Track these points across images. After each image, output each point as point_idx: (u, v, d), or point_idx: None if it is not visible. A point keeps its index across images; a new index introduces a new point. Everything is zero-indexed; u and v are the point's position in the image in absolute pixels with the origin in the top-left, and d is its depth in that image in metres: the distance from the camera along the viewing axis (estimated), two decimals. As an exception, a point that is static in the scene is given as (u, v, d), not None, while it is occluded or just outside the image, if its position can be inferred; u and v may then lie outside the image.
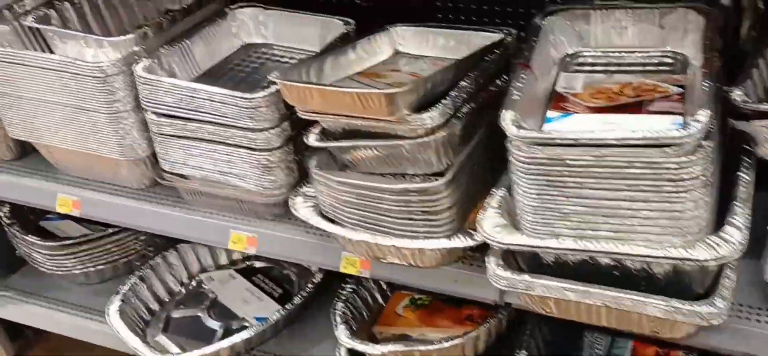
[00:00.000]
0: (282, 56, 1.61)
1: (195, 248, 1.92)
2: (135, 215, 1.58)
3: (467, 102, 1.26)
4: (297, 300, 1.70)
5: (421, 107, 1.19)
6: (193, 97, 1.37)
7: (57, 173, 1.68)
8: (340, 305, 1.58)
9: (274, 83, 1.30)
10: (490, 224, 1.15)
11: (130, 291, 1.79)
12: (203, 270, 1.95)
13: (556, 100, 1.21)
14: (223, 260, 1.96)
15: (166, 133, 1.44)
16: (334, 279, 1.68)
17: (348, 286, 1.62)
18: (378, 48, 1.49)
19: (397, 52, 1.51)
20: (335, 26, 1.54)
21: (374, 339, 1.58)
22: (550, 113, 1.17)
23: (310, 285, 1.73)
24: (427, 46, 1.50)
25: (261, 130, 1.35)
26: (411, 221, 1.25)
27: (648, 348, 1.46)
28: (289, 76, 1.29)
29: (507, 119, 1.09)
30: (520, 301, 1.20)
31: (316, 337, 1.73)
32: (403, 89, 1.18)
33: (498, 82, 1.35)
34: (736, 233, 1.00)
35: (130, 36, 1.46)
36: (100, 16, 1.65)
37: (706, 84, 1.05)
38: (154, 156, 1.51)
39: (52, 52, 1.53)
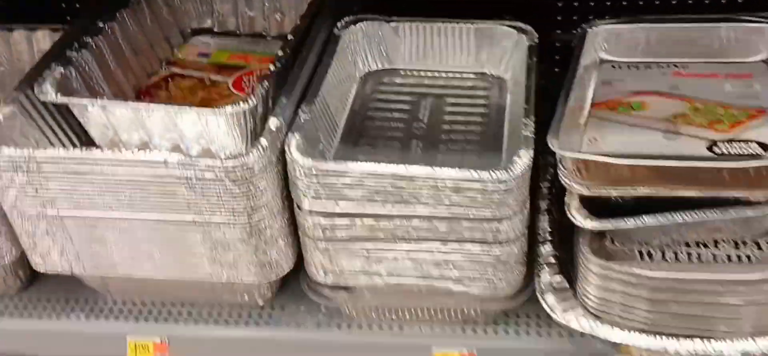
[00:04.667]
0: (430, 87, 1.13)
1: None
2: (270, 347, 1.06)
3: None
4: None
5: None
6: (402, 187, 0.89)
7: (110, 304, 1.10)
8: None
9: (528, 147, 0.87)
10: None
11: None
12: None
13: None
14: None
15: (341, 238, 0.94)
16: None
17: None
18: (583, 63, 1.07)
19: (602, 62, 1.11)
20: (502, 36, 1.11)
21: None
22: None
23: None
24: (645, 47, 1.11)
25: (508, 218, 0.91)
26: (763, 313, 0.90)
27: None
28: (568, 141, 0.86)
29: None
30: None
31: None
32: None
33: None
34: None
35: (251, 103, 0.90)
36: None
37: None
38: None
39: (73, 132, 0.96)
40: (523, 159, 0.89)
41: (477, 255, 0.95)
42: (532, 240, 1.01)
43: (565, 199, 0.94)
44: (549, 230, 1.02)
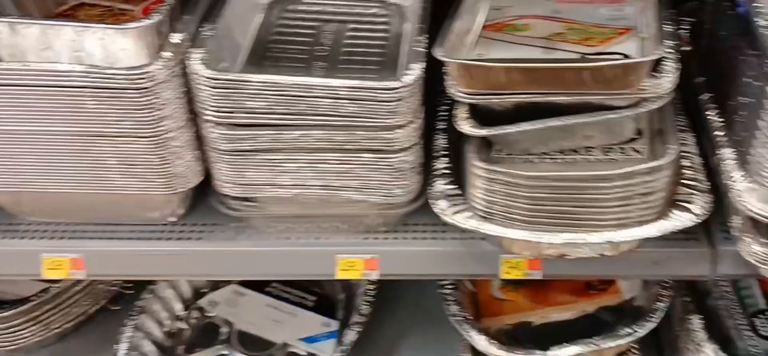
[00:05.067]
0: (333, 14, 1.18)
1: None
2: (182, 260, 1.12)
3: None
4: (364, 307, 1.39)
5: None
6: (302, 96, 0.95)
7: (24, 225, 1.13)
8: (454, 308, 1.29)
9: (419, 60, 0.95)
10: (759, 199, 0.96)
11: (130, 348, 1.33)
12: (198, 293, 1.51)
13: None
14: (218, 272, 1.53)
15: (244, 149, 1.00)
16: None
17: (447, 283, 1.33)
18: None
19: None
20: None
21: (488, 335, 1.33)
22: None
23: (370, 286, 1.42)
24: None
25: (401, 126, 0.99)
26: (626, 208, 1.00)
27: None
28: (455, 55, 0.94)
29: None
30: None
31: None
32: (653, 57, 0.91)
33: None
34: None
35: (156, 18, 0.96)
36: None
37: None
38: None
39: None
40: (415, 70, 0.97)
41: (374, 164, 1.03)
42: (429, 156, 1.10)
43: (454, 111, 1.03)
44: (444, 146, 1.11)
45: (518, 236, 1.02)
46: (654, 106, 0.96)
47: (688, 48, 1.24)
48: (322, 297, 1.50)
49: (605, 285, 1.38)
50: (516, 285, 1.41)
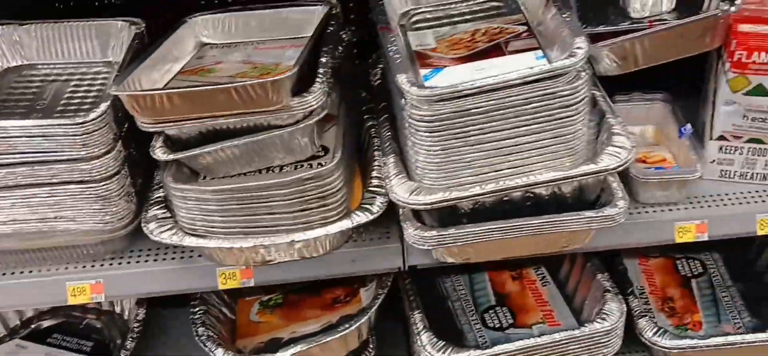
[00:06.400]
0: (59, 75, 1.34)
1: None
2: None
3: (331, 77, 1.21)
4: (129, 343, 1.49)
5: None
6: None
7: None
8: (201, 329, 1.41)
9: (107, 100, 1.11)
10: (405, 190, 1.15)
11: None
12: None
13: (420, 58, 1.23)
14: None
15: (-44, 191, 1.13)
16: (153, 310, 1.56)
17: (198, 308, 1.46)
18: (182, 44, 1.34)
19: (203, 45, 1.38)
20: (119, 30, 1.35)
21: (241, 352, 1.45)
22: (423, 71, 1.19)
23: (136, 324, 1.53)
24: (237, 31, 1.40)
25: (97, 157, 1.14)
26: (306, 211, 1.17)
27: (502, 275, 1.58)
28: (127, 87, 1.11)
29: (404, 81, 1.09)
30: (437, 256, 1.21)
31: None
32: (289, 75, 1.10)
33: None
34: (625, 141, 1.15)
35: None
36: None
37: (567, 16, 1.17)
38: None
39: None
40: (101, 107, 1.13)
41: (81, 194, 1.17)
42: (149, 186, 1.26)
43: (152, 141, 1.19)
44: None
45: (213, 245, 1.18)
46: (309, 122, 1.15)
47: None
48: (99, 342, 1.59)
49: (349, 297, 1.53)
50: (272, 308, 1.56)
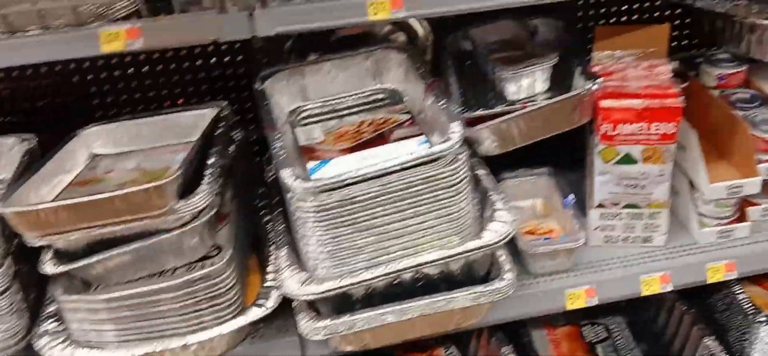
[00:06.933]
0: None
1: None
2: None
3: (219, 178, 1.23)
4: None
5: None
6: None
7: None
8: None
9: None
10: (296, 281, 1.16)
11: None
12: None
13: (306, 152, 1.26)
14: None
15: None
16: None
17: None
18: (74, 156, 1.35)
19: (95, 155, 1.39)
20: (9, 147, 1.35)
21: None
22: (309, 165, 1.22)
23: None
24: (129, 140, 1.41)
25: (-17, 276, 1.12)
26: (198, 312, 1.17)
27: (411, 356, 1.60)
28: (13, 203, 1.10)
29: (288, 175, 1.12)
30: (335, 346, 1.22)
31: None
32: (173, 178, 1.12)
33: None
34: (507, 216, 1.20)
35: None
36: None
37: (443, 103, 1.23)
38: None
39: None
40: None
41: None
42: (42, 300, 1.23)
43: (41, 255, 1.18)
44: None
45: (106, 355, 1.15)
46: (196, 223, 1.16)
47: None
48: None
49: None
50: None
